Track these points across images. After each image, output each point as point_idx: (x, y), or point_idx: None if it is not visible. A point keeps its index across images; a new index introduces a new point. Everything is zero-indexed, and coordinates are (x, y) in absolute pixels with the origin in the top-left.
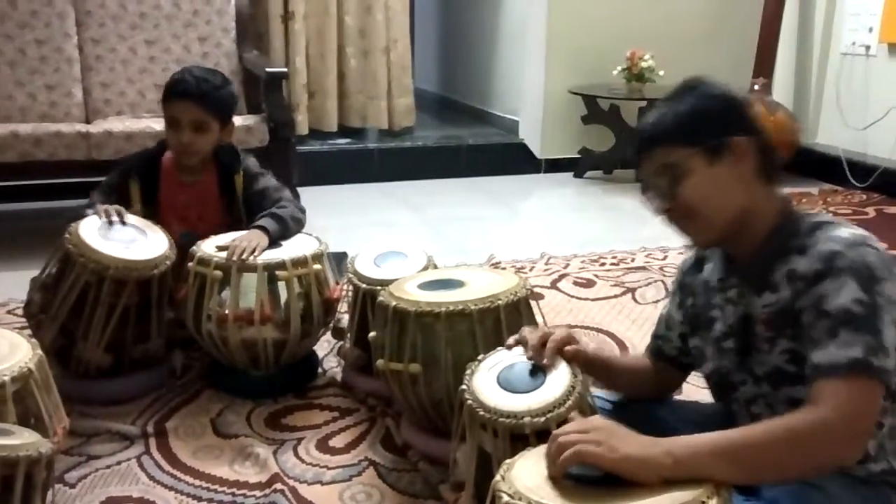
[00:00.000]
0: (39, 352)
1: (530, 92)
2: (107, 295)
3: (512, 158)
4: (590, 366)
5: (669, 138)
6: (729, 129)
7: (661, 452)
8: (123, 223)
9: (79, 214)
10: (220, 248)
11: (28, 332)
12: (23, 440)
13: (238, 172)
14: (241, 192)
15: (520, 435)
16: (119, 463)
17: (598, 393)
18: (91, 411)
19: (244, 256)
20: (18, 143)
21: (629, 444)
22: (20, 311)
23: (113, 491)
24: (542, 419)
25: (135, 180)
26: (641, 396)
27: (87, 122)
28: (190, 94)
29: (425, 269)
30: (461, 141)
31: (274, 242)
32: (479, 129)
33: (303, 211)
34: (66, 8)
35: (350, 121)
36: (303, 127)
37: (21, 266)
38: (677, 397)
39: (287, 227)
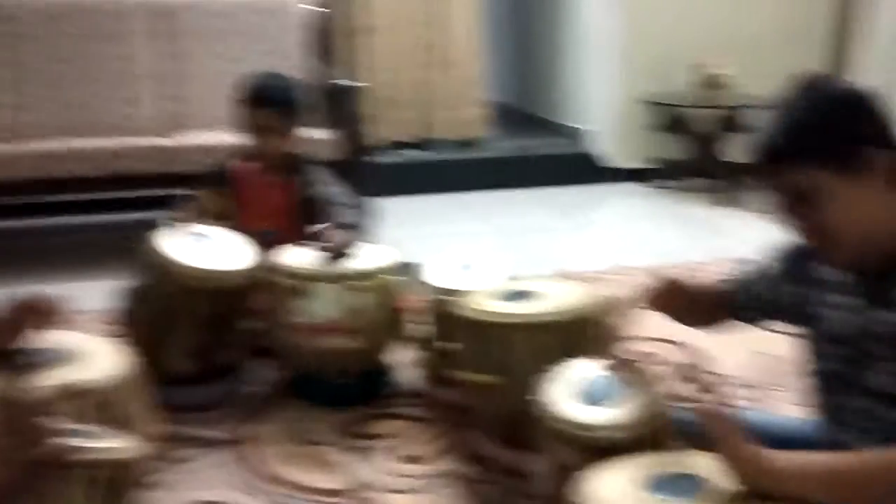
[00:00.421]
0: (130, 358)
1: (599, 101)
2: (189, 305)
3: (581, 168)
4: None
5: (796, 154)
6: (861, 138)
7: (766, 459)
8: (206, 235)
9: (163, 226)
10: (324, 248)
11: (118, 339)
12: (114, 444)
13: (305, 174)
14: (307, 194)
15: (598, 448)
16: (204, 467)
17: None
18: (177, 417)
19: (343, 251)
20: (103, 157)
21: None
22: (109, 320)
23: (196, 495)
24: (621, 433)
25: (213, 191)
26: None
27: (167, 135)
28: (268, 98)
29: (502, 280)
30: (531, 151)
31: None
32: (548, 139)
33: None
34: (146, 24)
35: (424, 132)
36: (378, 139)
37: (109, 276)
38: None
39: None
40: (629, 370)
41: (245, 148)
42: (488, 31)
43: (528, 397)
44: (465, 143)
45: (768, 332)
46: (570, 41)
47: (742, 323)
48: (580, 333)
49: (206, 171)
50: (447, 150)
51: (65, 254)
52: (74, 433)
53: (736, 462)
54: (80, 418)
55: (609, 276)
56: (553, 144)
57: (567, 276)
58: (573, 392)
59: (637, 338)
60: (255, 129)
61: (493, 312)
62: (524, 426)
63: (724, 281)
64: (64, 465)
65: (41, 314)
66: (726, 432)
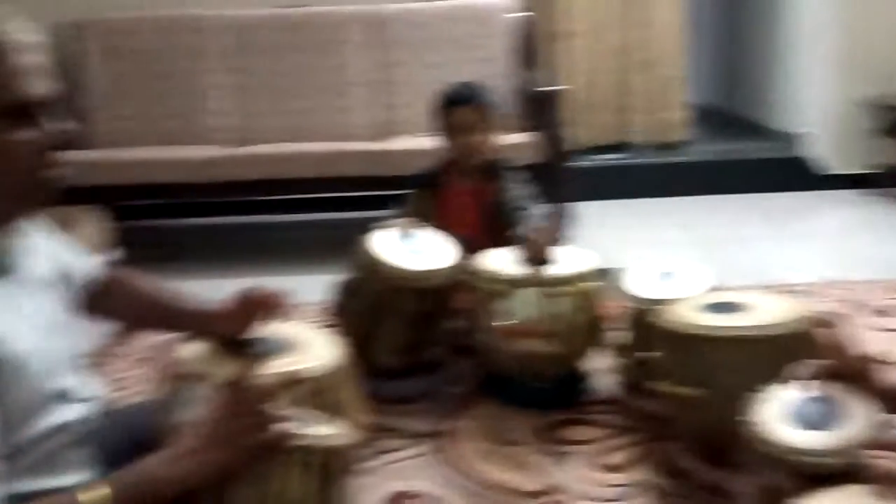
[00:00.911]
0: (344, 350)
1: (813, 104)
2: (397, 302)
3: (792, 174)
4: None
5: None
6: None
7: None
8: (414, 235)
9: (375, 227)
10: (525, 254)
11: (330, 331)
12: (329, 431)
13: (501, 180)
14: (502, 199)
15: (810, 474)
16: (406, 458)
17: None
18: (383, 408)
19: (543, 257)
20: (320, 160)
21: None
22: (324, 312)
23: (400, 485)
24: (839, 460)
25: (421, 193)
26: None
27: (379, 140)
28: (467, 98)
29: (707, 290)
30: (737, 156)
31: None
32: (756, 143)
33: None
34: (366, 35)
35: (623, 136)
36: (576, 143)
37: (325, 271)
38: None
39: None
40: (843, 392)
41: (444, 154)
42: (691, 30)
43: (732, 414)
44: (666, 147)
45: None
46: (783, 39)
47: None
48: (789, 350)
49: (415, 175)
50: (647, 153)
51: (284, 249)
52: (295, 419)
53: None
54: (299, 405)
55: (821, 290)
56: (761, 148)
57: (775, 289)
58: (784, 413)
59: (850, 357)
60: (452, 129)
61: (697, 325)
62: (727, 443)
63: None
64: (285, 450)
65: (267, 306)
66: None
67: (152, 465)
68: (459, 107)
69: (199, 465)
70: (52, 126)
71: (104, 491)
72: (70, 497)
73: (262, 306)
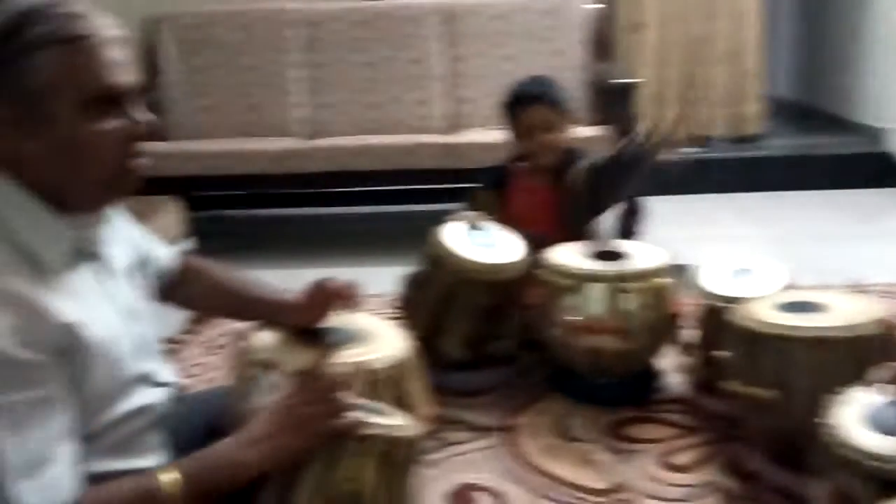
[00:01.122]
0: (412, 342)
1: None
2: (466, 295)
3: (876, 170)
4: None
5: None
6: None
7: None
8: (484, 229)
9: (447, 219)
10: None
11: (399, 322)
12: (398, 422)
13: (575, 169)
14: (582, 185)
15: (889, 481)
16: (472, 451)
17: None
18: (449, 400)
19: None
20: (394, 153)
21: None
22: (393, 304)
23: (465, 477)
24: None
25: (487, 190)
26: None
27: (451, 133)
28: (538, 96)
29: (783, 289)
30: (817, 150)
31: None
32: (837, 137)
33: None
34: (439, 29)
35: (694, 129)
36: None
37: (394, 263)
38: None
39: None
40: None
41: (514, 152)
42: (773, 23)
43: (807, 417)
44: (741, 141)
45: None
46: (869, 32)
47: None
48: (868, 353)
49: (483, 170)
50: (721, 147)
51: (356, 240)
52: (366, 409)
53: None
54: (370, 395)
55: None
56: (844, 143)
57: (855, 289)
58: (861, 417)
59: None
60: (523, 129)
61: (773, 324)
62: (799, 446)
63: None
64: (352, 439)
65: (341, 298)
66: None
67: (223, 450)
68: (531, 105)
69: (271, 451)
70: (136, 117)
71: (174, 475)
72: (149, 478)
73: (336, 298)
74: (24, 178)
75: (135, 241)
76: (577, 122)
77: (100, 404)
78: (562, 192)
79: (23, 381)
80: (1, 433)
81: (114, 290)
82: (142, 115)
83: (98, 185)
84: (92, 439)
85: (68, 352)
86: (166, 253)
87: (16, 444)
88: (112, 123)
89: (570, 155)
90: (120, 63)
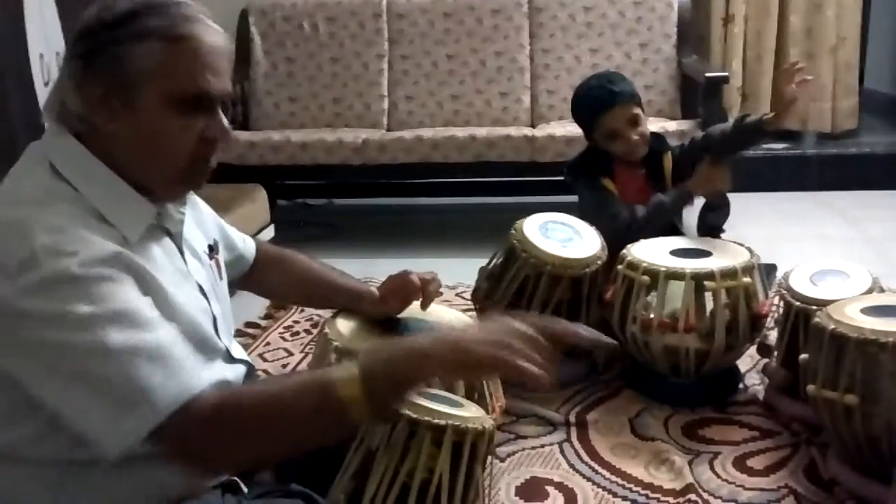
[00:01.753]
0: None
1: None
2: (543, 289)
3: None
4: None
5: None
6: None
7: None
8: (564, 223)
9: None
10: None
11: (474, 315)
12: (471, 413)
13: (666, 152)
14: (672, 169)
15: None
16: (543, 446)
17: None
18: (521, 394)
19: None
20: (475, 145)
21: None
22: (468, 295)
23: (536, 471)
24: None
25: (603, 175)
26: None
27: (533, 126)
28: (623, 96)
29: (870, 291)
30: None
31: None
32: None
33: None
34: (523, 21)
35: (787, 124)
36: None
37: (471, 254)
38: None
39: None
40: None
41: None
42: (875, 14)
43: (892, 424)
44: (835, 137)
45: None
46: None
47: None
48: None
49: (585, 157)
50: (814, 143)
51: (435, 231)
52: (441, 399)
53: None
54: (447, 387)
55: None
56: None
57: None
58: None
59: None
60: (609, 131)
61: (859, 327)
62: (881, 454)
63: None
64: (431, 428)
65: (424, 292)
66: None
67: (402, 344)
68: (615, 106)
69: (453, 346)
70: (218, 123)
71: (352, 370)
72: (325, 378)
73: (416, 291)
74: (109, 157)
75: (212, 226)
76: (664, 114)
77: None
78: (658, 180)
79: (140, 288)
80: (121, 335)
81: (191, 268)
82: (223, 122)
83: (169, 177)
84: None
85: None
86: (244, 241)
87: (137, 339)
88: (193, 123)
89: (655, 140)
90: (217, 71)
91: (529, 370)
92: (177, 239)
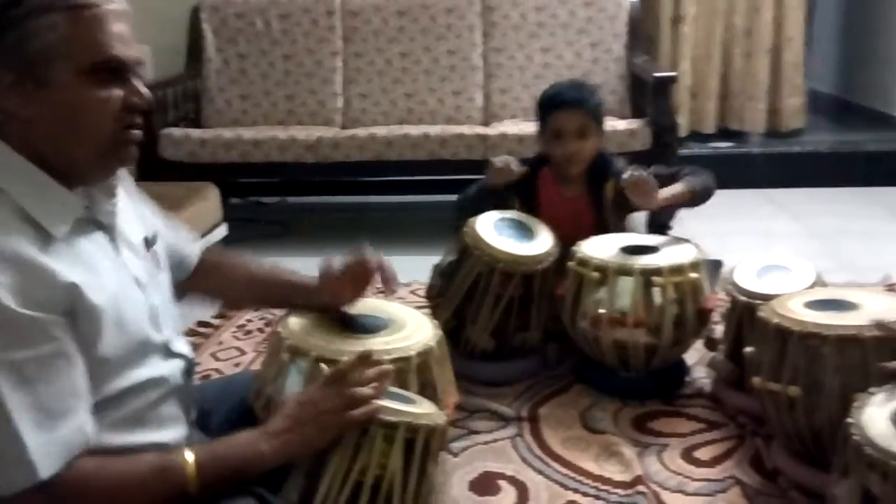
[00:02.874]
0: (439, 331)
1: None
2: (495, 285)
3: None
4: None
5: None
6: None
7: None
8: (516, 220)
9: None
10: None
11: (427, 311)
12: (423, 410)
13: (608, 180)
14: (613, 198)
15: None
16: (496, 440)
17: None
18: (474, 389)
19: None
20: (428, 143)
21: None
22: (422, 293)
23: (489, 466)
24: None
25: (515, 195)
26: None
27: (486, 124)
28: (571, 102)
29: (813, 286)
30: (858, 147)
31: (697, 198)
32: (880, 134)
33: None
34: (476, 20)
35: (730, 122)
36: (682, 129)
37: (425, 252)
38: None
39: (708, 183)
40: None
41: (542, 156)
42: (820, 17)
43: (834, 415)
44: (779, 135)
45: None
46: None
47: None
48: None
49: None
50: (760, 142)
51: (388, 230)
52: (393, 396)
53: None
54: (397, 383)
55: None
56: (887, 140)
57: (891, 288)
58: (889, 417)
59: None
60: (554, 132)
61: (802, 321)
62: (824, 444)
63: None
64: (382, 426)
65: (379, 278)
66: None
67: (241, 440)
68: (565, 109)
69: (286, 445)
70: (135, 89)
71: (191, 456)
72: (166, 457)
73: (372, 274)
74: (29, 149)
75: (151, 219)
76: (613, 114)
77: (113, 369)
78: (597, 203)
79: (28, 339)
80: (6, 392)
81: (126, 259)
82: (140, 87)
83: (95, 154)
84: (106, 409)
85: (74, 312)
86: (192, 244)
87: (23, 401)
88: (110, 92)
89: (602, 163)
90: (121, 35)
91: (359, 416)
92: (109, 231)
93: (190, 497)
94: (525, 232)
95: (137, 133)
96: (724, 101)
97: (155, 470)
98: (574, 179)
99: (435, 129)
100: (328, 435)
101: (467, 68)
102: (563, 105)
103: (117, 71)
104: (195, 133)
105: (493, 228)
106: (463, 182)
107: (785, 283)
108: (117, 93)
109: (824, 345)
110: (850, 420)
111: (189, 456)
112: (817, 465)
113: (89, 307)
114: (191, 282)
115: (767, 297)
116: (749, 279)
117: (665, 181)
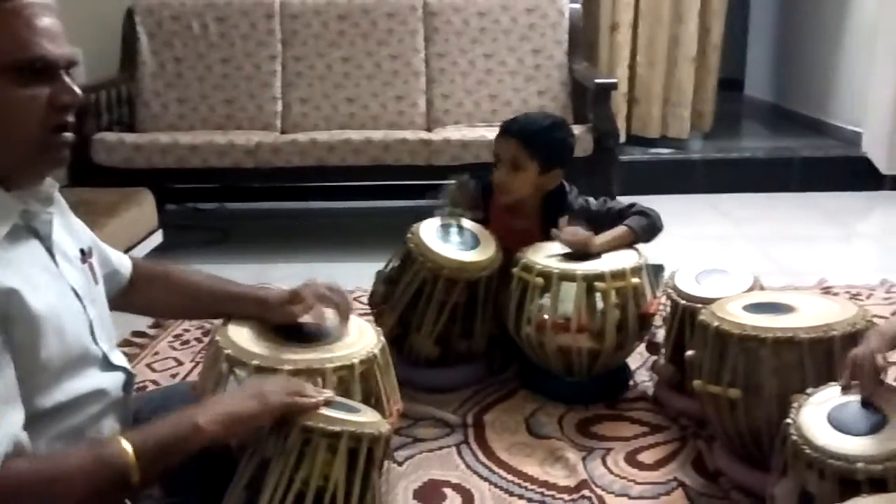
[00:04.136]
0: (383, 339)
1: (877, 101)
2: (439, 292)
3: (851, 173)
4: None
5: None
6: None
7: None
8: (460, 227)
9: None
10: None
11: (371, 319)
12: (367, 418)
13: (563, 216)
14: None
15: (850, 480)
16: (441, 448)
17: None
18: (418, 397)
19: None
20: (371, 149)
21: None
22: (365, 300)
23: (434, 473)
24: (880, 467)
25: (468, 211)
26: None
27: (429, 129)
28: (511, 132)
29: (751, 289)
30: (793, 153)
31: (641, 238)
32: (814, 140)
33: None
34: (418, 25)
35: (676, 129)
36: (623, 136)
37: (368, 259)
38: None
39: (654, 222)
40: (887, 398)
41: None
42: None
43: (772, 416)
44: (715, 141)
45: None
46: (847, 36)
47: None
48: (835, 354)
49: (472, 191)
50: (700, 148)
51: (330, 236)
52: (336, 405)
53: None
54: (340, 391)
55: (878, 294)
56: (820, 146)
57: (826, 290)
58: (826, 417)
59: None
60: (494, 156)
61: (741, 324)
62: (764, 444)
63: None
64: (325, 435)
65: (333, 304)
66: None
67: (175, 418)
68: (501, 136)
69: (226, 417)
70: (64, 87)
71: (125, 443)
72: (101, 446)
73: (323, 303)
74: None
75: (83, 233)
76: (557, 172)
77: (52, 378)
78: (548, 235)
79: None
80: None
81: (63, 270)
82: (70, 85)
83: (24, 156)
84: (44, 421)
85: (10, 318)
86: (119, 258)
87: None
88: (38, 92)
89: (558, 196)
90: (48, 31)
91: (301, 403)
92: (46, 241)
93: (131, 483)
94: (469, 238)
95: (68, 135)
96: (667, 107)
97: (91, 457)
98: (525, 212)
99: (377, 134)
100: (269, 412)
101: (409, 73)
102: (503, 131)
103: (44, 69)
104: (129, 137)
105: (436, 234)
106: (405, 188)
107: (724, 286)
108: (46, 91)
109: (763, 347)
110: (788, 420)
111: (123, 441)
112: (758, 466)
113: (27, 314)
114: (124, 297)
115: (707, 301)
116: (689, 283)
117: (613, 219)
